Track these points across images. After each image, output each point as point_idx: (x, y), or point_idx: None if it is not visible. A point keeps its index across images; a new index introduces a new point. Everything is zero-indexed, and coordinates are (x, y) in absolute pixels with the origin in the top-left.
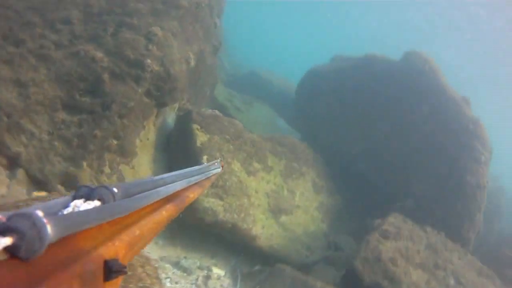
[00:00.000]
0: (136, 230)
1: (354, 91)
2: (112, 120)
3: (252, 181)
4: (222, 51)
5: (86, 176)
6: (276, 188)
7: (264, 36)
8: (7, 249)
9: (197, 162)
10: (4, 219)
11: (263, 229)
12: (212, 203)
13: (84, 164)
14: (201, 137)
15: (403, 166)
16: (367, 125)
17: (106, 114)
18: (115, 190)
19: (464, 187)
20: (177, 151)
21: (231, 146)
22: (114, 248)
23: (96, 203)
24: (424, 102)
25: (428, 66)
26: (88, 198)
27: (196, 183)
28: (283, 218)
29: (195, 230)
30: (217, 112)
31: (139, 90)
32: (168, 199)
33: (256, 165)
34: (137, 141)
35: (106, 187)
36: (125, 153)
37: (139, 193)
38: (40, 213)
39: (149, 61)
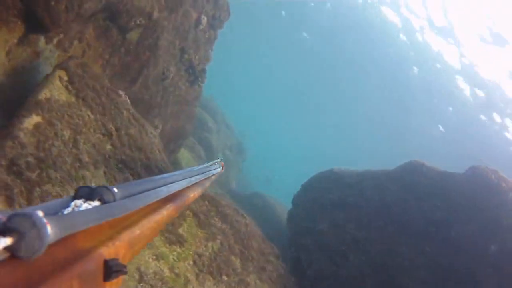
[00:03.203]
0: (136, 230)
1: (378, 206)
2: None
3: None
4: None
5: None
6: (172, 277)
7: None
8: (7, 249)
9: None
10: (4, 219)
11: None
12: None
13: None
14: (58, 92)
15: None
16: (391, 261)
17: None
18: (115, 190)
19: None
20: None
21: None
22: (114, 248)
23: (96, 203)
24: (494, 237)
25: (505, 185)
26: (88, 198)
27: (196, 183)
28: None
29: None
30: (124, 95)
31: None
32: (168, 199)
33: None
34: None
35: (106, 187)
36: None
37: (139, 193)
38: (40, 213)
39: None
